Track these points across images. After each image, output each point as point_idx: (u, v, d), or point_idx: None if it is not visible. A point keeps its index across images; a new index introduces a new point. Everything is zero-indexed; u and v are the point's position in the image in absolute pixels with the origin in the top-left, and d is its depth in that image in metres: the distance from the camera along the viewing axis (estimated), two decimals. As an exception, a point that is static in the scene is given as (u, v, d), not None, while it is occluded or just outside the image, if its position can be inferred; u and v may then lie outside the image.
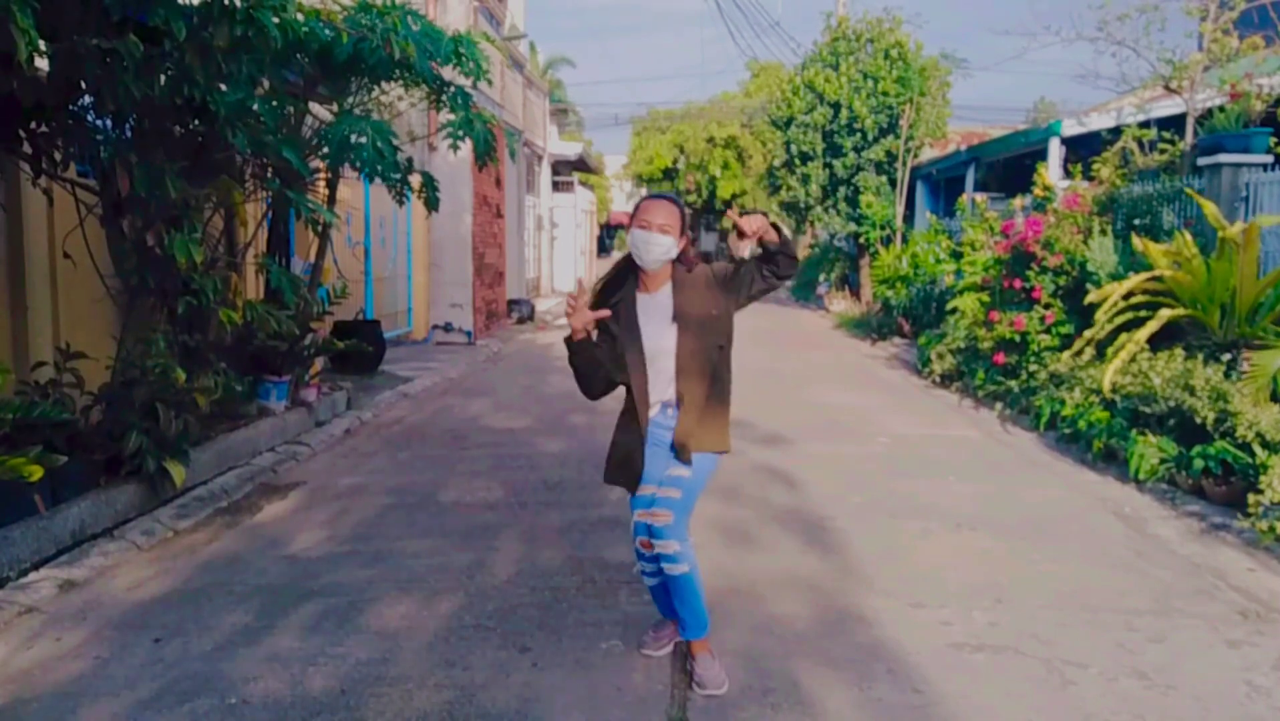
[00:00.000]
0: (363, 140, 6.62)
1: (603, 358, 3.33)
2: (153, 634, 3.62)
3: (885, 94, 16.98)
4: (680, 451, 3.29)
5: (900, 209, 17.20)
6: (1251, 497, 4.77)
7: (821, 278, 22.08)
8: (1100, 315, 6.92)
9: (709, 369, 3.31)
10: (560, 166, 24.75)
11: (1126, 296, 6.84)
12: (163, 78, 4.87)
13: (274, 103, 6.11)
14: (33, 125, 4.78)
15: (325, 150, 6.92)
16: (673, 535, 3.22)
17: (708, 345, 3.30)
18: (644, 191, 46.07)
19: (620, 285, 3.39)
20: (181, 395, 5.23)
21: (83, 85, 4.69)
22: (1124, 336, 6.63)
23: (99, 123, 5.23)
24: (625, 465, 3.40)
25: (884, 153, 17.24)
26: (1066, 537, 4.90)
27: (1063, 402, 7.03)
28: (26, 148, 4.80)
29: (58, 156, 4.97)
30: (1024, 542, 4.78)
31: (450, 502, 5.48)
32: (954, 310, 9.71)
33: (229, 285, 6.52)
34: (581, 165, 26.49)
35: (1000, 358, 8.48)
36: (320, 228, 7.57)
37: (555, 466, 6.32)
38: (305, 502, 5.48)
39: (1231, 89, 8.16)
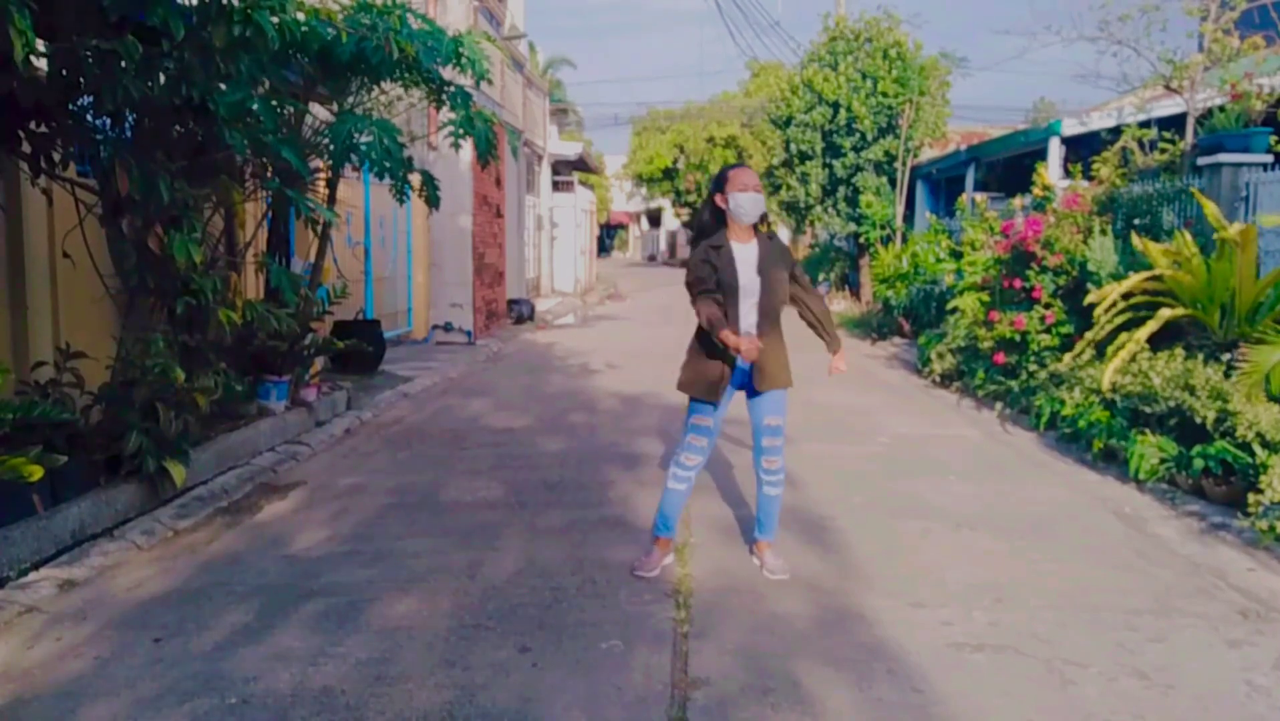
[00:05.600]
0: (369, 139, 6.62)
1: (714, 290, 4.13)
2: (153, 633, 3.62)
3: (884, 94, 16.97)
4: (758, 384, 4.16)
5: (900, 209, 17.19)
6: (1251, 497, 4.77)
7: (821, 277, 22.07)
8: (1100, 314, 6.92)
9: (778, 315, 4.19)
10: (560, 166, 24.76)
11: (1126, 296, 6.84)
12: (162, 77, 4.87)
13: (274, 102, 6.11)
14: (33, 125, 4.78)
15: (328, 148, 6.92)
16: (783, 454, 4.31)
17: (780, 297, 4.18)
18: (644, 191, 46.14)
19: (711, 232, 4.21)
20: (181, 395, 5.23)
21: (82, 85, 4.69)
22: (1124, 336, 6.63)
23: (98, 123, 5.23)
24: (716, 382, 4.15)
25: (883, 152, 17.23)
26: (1066, 537, 4.90)
27: (1063, 402, 7.02)
28: (26, 147, 4.80)
29: (57, 156, 4.97)
30: (1024, 542, 4.78)
31: (450, 502, 5.48)
32: (954, 310, 9.71)
33: (229, 285, 6.51)
34: (581, 165, 26.50)
35: (1000, 357, 8.48)
36: (320, 227, 7.57)
37: (555, 466, 6.32)
38: (305, 502, 5.48)
39: (1232, 89, 8.16)
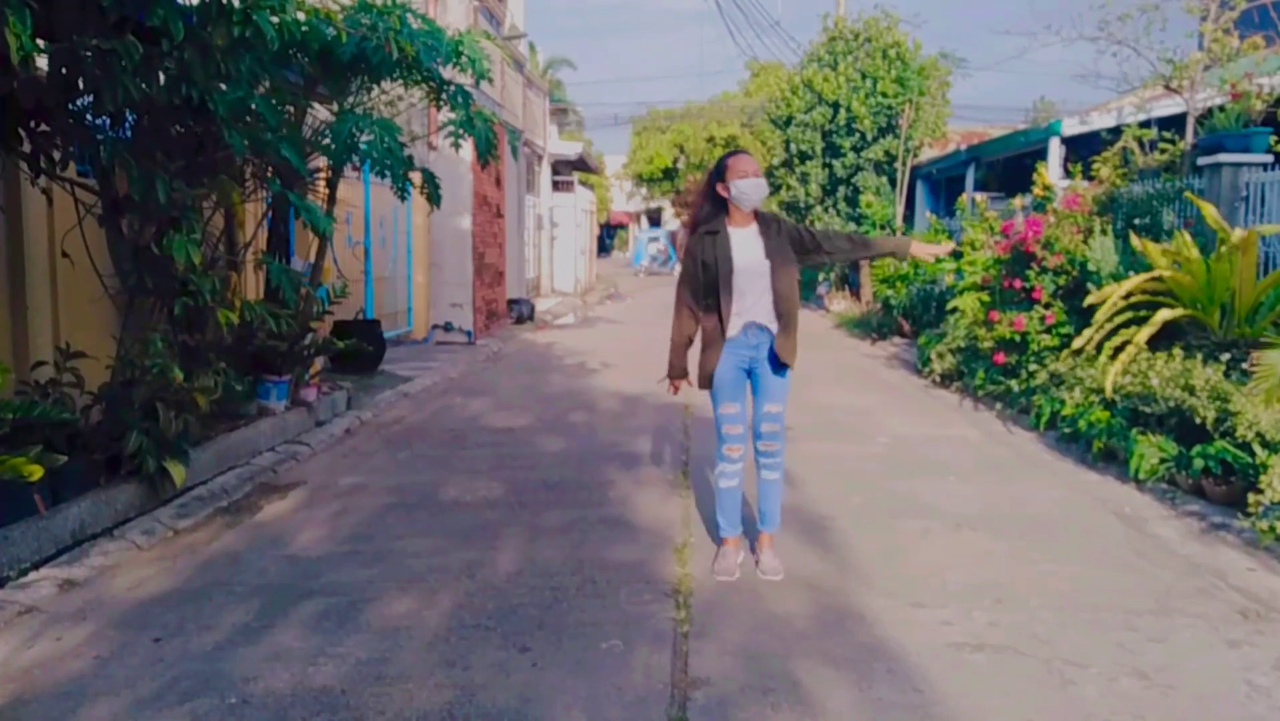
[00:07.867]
0: (370, 138, 6.62)
1: (696, 288, 4.25)
2: (153, 633, 3.62)
3: (884, 94, 16.98)
4: (782, 363, 4.22)
5: (900, 208, 17.19)
6: (1251, 497, 4.77)
7: (821, 277, 22.04)
8: (1100, 316, 6.90)
9: (792, 297, 4.23)
10: (560, 166, 24.75)
11: (1126, 296, 6.84)
12: (161, 77, 4.86)
13: (274, 102, 6.11)
14: (33, 125, 4.78)
15: (329, 148, 6.91)
16: (782, 439, 4.28)
17: (792, 277, 4.21)
18: (644, 191, 46.09)
19: (710, 220, 4.23)
20: (181, 395, 5.23)
21: (82, 85, 4.69)
22: (1125, 332, 6.63)
23: (98, 123, 5.22)
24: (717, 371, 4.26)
25: (883, 152, 17.24)
26: (1066, 537, 4.90)
27: (1063, 402, 7.02)
28: (26, 147, 4.80)
29: (57, 156, 4.97)
30: (1024, 542, 4.78)
31: (450, 502, 5.48)
32: (954, 310, 9.70)
33: (228, 285, 6.51)
34: (581, 165, 26.50)
35: (1000, 357, 8.48)
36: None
37: (555, 466, 6.32)
38: (305, 502, 5.48)
39: (1232, 88, 8.15)
